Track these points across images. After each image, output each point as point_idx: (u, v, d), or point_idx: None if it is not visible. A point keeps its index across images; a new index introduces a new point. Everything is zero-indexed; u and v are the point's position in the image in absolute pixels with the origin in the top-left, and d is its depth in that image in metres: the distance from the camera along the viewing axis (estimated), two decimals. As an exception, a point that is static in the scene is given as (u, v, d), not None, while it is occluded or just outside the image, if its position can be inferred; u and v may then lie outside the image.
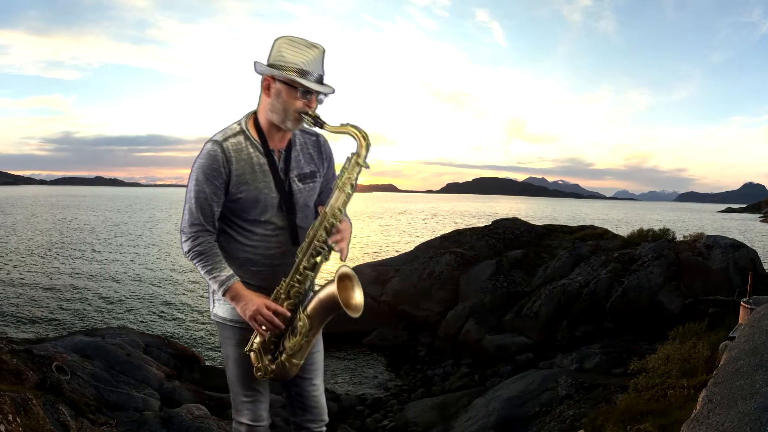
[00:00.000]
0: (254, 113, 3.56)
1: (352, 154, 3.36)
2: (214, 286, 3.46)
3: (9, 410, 5.04)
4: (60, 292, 32.37)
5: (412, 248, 31.30)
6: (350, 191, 3.39)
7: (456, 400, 14.40)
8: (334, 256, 3.51)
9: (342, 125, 3.37)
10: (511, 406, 12.06)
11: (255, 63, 3.43)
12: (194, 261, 3.47)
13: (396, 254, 35.84)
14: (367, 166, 3.37)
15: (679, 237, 23.36)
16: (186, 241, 3.47)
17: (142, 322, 26.20)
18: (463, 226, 34.57)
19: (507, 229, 27.65)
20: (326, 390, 15.90)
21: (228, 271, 3.43)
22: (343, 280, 3.34)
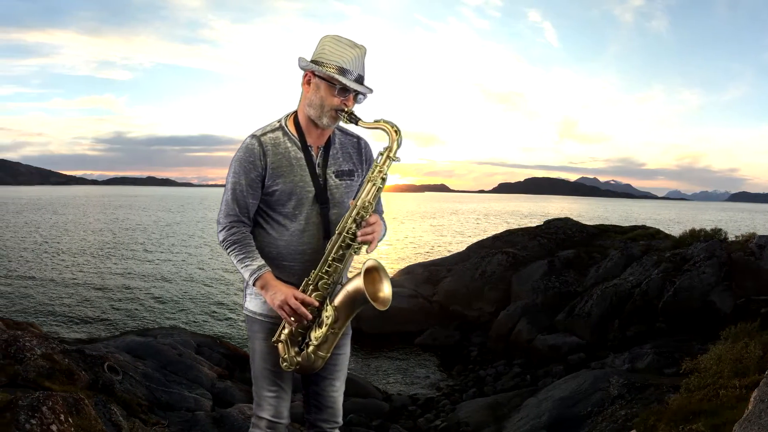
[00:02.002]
0: (294, 112, 3.69)
1: (384, 148, 3.46)
2: (245, 275, 3.55)
3: (61, 410, 5.12)
4: (112, 292, 32.70)
5: (464, 248, 31.14)
6: (381, 184, 3.47)
7: (508, 400, 14.38)
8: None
9: (375, 121, 3.47)
10: (563, 406, 12.04)
11: (299, 58, 3.55)
12: (228, 250, 3.60)
13: (448, 254, 35.75)
14: (398, 159, 3.46)
15: (731, 237, 23.09)
16: (221, 231, 3.62)
17: (194, 322, 26.46)
18: (515, 226, 34.43)
19: (559, 229, 27.50)
20: (378, 390, 16.03)
21: (260, 261, 3.53)
22: (370, 272, 3.41)
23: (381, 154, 3.46)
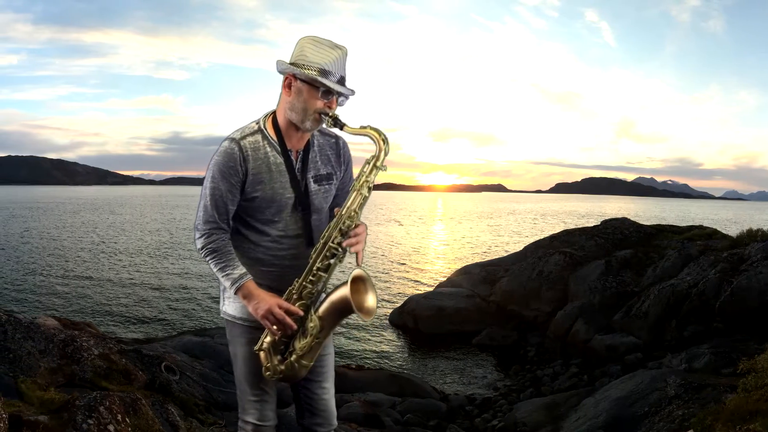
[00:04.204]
0: (273, 112, 3.61)
1: (371, 156, 3.39)
2: (226, 284, 3.51)
3: (118, 410, 5.17)
4: (169, 292, 33.06)
5: (521, 248, 31.14)
6: (367, 194, 3.40)
7: (565, 400, 14.36)
8: (349, 257, 3.50)
9: (362, 127, 3.40)
10: (620, 406, 12.03)
11: (277, 62, 3.49)
12: (207, 258, 3.53)
13: (505, 254, 35.72)
14: (385, 169, 3.41)
15: (788, 237, 22.77)
16: (200, 238, 3.54)
17: (251, 321, 26.53)
18: (572, 226, 34.15)
19: (616, 229, 27.26)
20: (435, 389, 16.11)
21: (241, 270, 3.48)
22: (356, 282, 3.35)
23: (368, 162, 3.39)
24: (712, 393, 11.03)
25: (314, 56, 3.35)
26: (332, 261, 3.42)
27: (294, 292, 3.46)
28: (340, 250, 3.39)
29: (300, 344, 3.48)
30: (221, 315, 3.84)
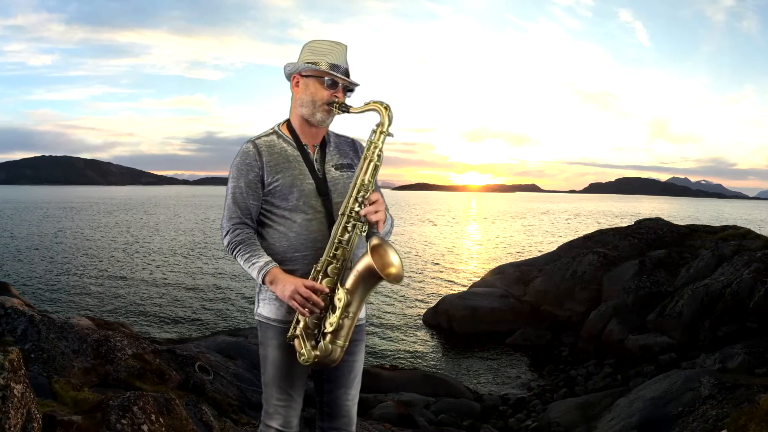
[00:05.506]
0: (287, 120, 3.76)
1: (377, 124, 3.47)
2: (253, 273, 3.51)
3: (152, 410, 5.23)
4: (203, 292, 33.20)
5: (554, 248, 31.23)
6: (378, 161, 3.45)
7: (599, 400, 14.36)
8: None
9: (366, 104, 3.53)
10: (653, 406, 12.02)
11: (284, 67, 3.69)
12: (234, 252, 3.59)
13: (539, 254, 35.67)
14: (392, 135, 3.46)
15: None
16: (225, 235, 3.62)
17: (285, 322, 26.56)
18: (605, 226, 34.14)
19: (650, 229, 27.15)
20: (469, 390, 16.10)
21: (266, 258, 3.51)
22: (376, 249, 3.33)
23: (374, 131, 3.48)
24: (745, 393, 11.00)
25: (315, 54, 3.57)
26: (353, 233, 3.44)
27: (319, 269, 3.45)
28: (359, 220, 3.42)
29: (330, 320, 3.42)
30: (255, 317, 3.83)
